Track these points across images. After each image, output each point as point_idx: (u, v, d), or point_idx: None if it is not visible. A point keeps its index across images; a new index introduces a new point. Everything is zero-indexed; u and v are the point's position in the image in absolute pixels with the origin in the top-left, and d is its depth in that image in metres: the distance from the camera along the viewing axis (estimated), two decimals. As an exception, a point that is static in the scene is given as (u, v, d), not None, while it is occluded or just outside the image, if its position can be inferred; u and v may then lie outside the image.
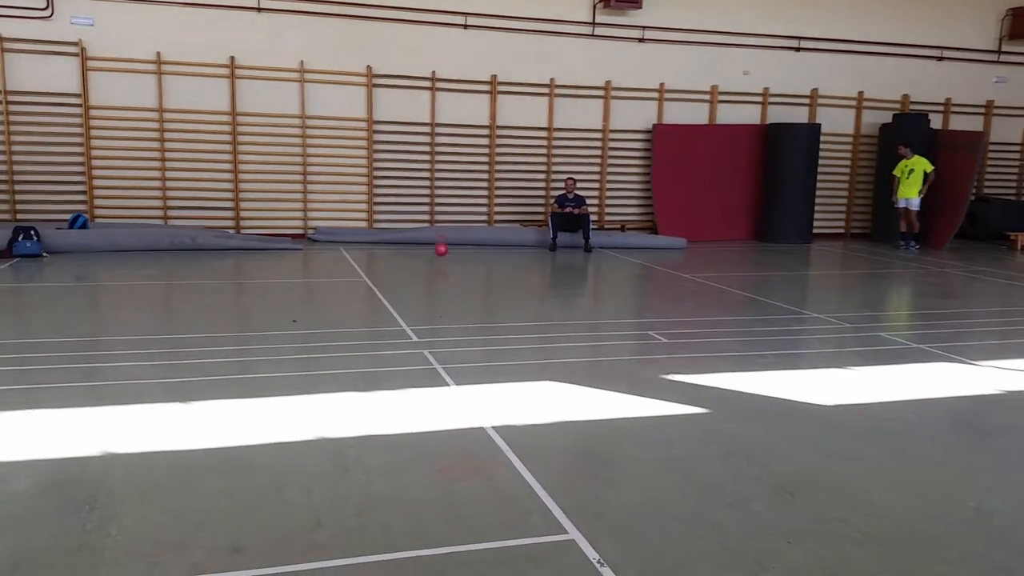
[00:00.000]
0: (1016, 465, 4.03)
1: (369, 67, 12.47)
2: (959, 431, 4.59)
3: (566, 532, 3.13)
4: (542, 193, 13.57)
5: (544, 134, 13.48)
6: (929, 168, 13.18)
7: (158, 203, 12.00)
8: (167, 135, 11.90)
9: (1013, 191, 16.05)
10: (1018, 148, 15.96)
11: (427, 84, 12.81)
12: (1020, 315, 8.22)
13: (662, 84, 13.84)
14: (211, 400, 4.58)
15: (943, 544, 3.14)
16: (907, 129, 14.13)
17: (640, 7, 13.21)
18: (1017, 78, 15.60)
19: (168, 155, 11.94)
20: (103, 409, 4.39)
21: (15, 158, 11.38)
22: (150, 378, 5.04)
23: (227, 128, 12.11)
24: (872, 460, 4.01)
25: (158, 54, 11.65)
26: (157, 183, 11.96)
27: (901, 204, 13.38)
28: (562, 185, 12.63)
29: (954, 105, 15.32)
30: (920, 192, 13.11)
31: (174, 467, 3.66)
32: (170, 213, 12.05)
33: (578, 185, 12.69)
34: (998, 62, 15.47)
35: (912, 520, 3.34)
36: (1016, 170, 16.05)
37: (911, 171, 13.28)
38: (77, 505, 3.24)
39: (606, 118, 13.71)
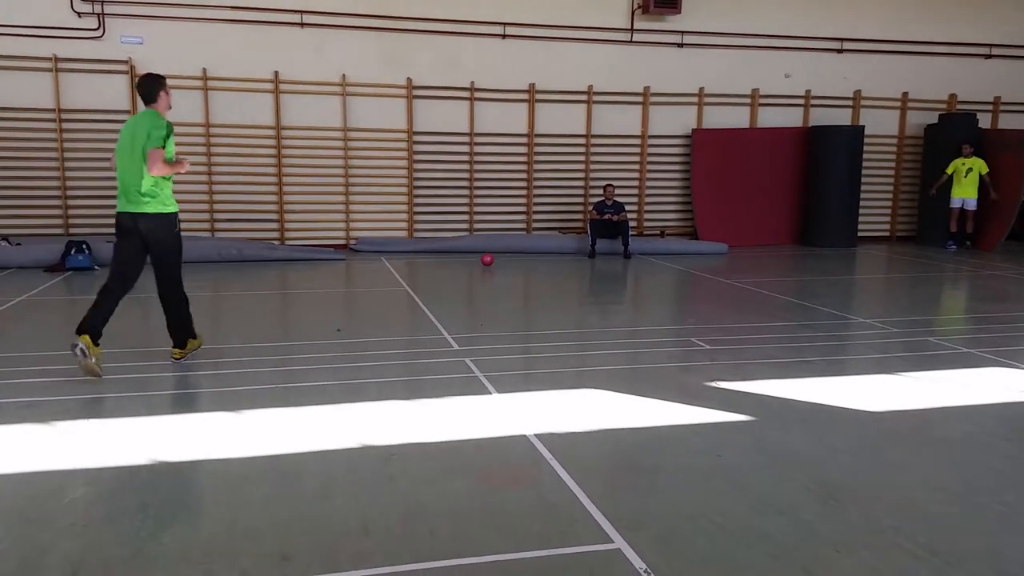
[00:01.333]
0: (1077, 474, 3.90)
1: (409, 79, 12.60)
2: (1016, 438, 4.46)
3: (612, 541, 3.11)
4: (580, 200, 13.55)
5: (582, 141, 13.46)
6: (985, 170, 12.95)
7: (205, 216, 12.26)
8: (213, 149, 12.16)
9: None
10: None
11: (466, 94, 12.90)
12: (1078, 318, 7.96)
13: (701, 89, 13.73)
14: (258, 409, 4.66)
15: (1003, 558, 3.05)
16: (954, 129, 13.82)
17: (679, 12, 13.14)
18: (1070, 74, 15.14)
19: (214, 168, 12.20)
20: (153, 418, 4.50)
21: (68, 174, 11.72)
22: (199, 387, 5.15)
23: (271, 141, 12.33)
24: (925, 468, 3.92)
25: (204, 70, 11.93)
26: (204, 196, 12.22)
27: (957, 204, 13.16)
28: (600, 192, 12.60)
29: (1003, 103, 14.91)
30: (993, 196, 12.89)
31: (223, 475, 3.73)
32: (217, 225, 12.30)
33: (617, 191, 12.65)
34: (1050, 58, 15.04)
35: (969, 532, 3.26)
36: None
37: (969, 170, 13.04)
38: (131, 513, 3.32)
39: (645, 124, 13.64)
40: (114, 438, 4.19)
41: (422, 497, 3.49)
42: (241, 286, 9.39)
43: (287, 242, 12.47)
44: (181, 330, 5.72)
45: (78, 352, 5.09)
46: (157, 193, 5.70)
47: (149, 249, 5.66)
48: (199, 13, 11.81)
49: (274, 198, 12.45)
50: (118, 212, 5.74)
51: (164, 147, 5.62)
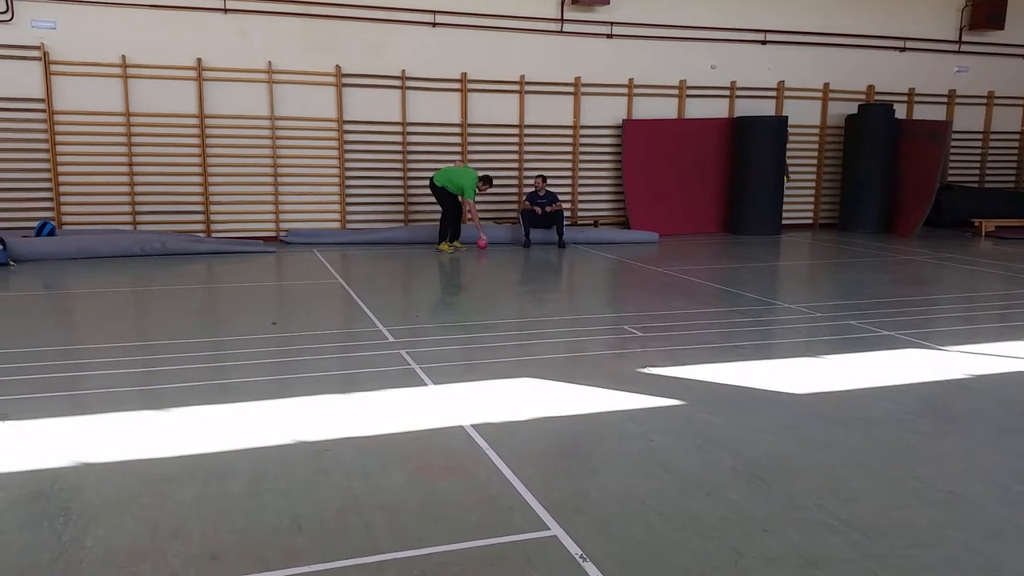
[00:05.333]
0: (986, 448, 4.11)
1: (338, 66, 12.39)
2: (931, 416, 4.68)
3: (548, 528, 3.14)
4: (515, 190, 13.58)
5: (515, 131, 13.48)
6: None
7: (127, 208, 11.83)
8: (134, 139, 11.73)
9: (976, 179, 16.34)
10: (980, 136, 16.25)
11: (397, 83, 12.76)
12: (986, 300, 8.39)
13: (631, 80, 13.90)
14: (186, 407, 4.53)
15: (918, 529, 3.20)
16: (873, 119, 14.35)
17: (608, 3, 13.26)
18: (977, 67, 15.88)
19: (136, 159, 11.77)
20: (76, 419, 4.33)
21: (-23, 165, 11.16)
22: (123, 386, 4.98)
23: (195, 131, 11.97)
24: (846, 447, 4.07)
25: (123, 57, 11.48)
26: (125, 188, 11.79)
27: None
28: (532, 183, 12.66)
29: (918, 95, 15.56)
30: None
31: (149, 475, 3.62)
32: (139, 218, 11.89)
33: (549, 181, 12.72)
34: (959, 52, 15.74)
35: (887, 506, 3.40)
36: (979, 158, 16.34)
37: None
38: (51, 517, 3.19)
39: (576, 114, 13.74)
40: (33, 440, 4.02)
41: (357, 491, 3.46)
42: (165, 281, 9.11)
43: (213, 235, 12.14)
44: None
45: None
46: None
47: None
48: (116, -3, 11.37)
49: (199, 189, 12.10)
50: None
51: None
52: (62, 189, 11.54)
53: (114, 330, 6.66)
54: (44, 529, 3.10)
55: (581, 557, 2.92)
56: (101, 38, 11.38)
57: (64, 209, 11.58)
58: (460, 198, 11.52)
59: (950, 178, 15.92)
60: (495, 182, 12.42)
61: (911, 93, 15.51)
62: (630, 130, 13.83)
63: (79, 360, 5.60)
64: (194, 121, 11.93)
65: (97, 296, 8.32)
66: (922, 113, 15.50)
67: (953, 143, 15.62)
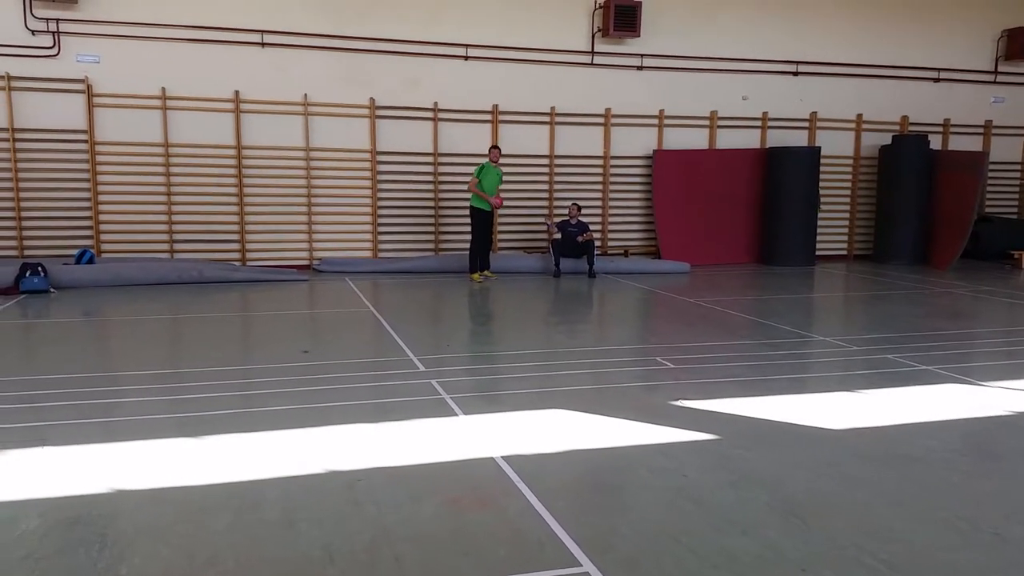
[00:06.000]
0: (1030, 488, 4.00)
1: (372, 99, 12.60)
2: (973, 454, 4.56)
3: (579, 565, 3.10)
4: (545, 220, 13.62)
5: (546, 161, 13.56)
6: None
7: (164, 237, 12.07)
8: (172, 169, 12.00)
9: (1015, 210, 16.07)
10: (1018, 167, 16.01)
11: (429, 115, 12.93)
12: (1027, 334, 8.20)
13: (661, 111, 13.95)
14: (221, 434, 4.57)
15: (960, 571, 3.11)
16: (907, 150, 14.21)
17: (638, 35, 13.35)
18: (1014, 98, 15.69)
19: (174, 189, 12.03)
20: (112, 445, 4.39)
21: (22, 195, 11.47)
22: (159, 413, 5.04)
23: (232, 161, 12.21)
24: (886, 485, 3.98)
25: (163, 89, 11.79)
26: (163, 217, 12.04)
27: None
28: (565, 211, 12.69)
29: (953, 126, 15.40)
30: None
31: (184, 503, 3.65)
32: (176, 247, 12.12)
33: (582, 211, 12.75)
34: (995, 82, 15.58)
35: (928, 546, 3.31)
36: (1016, 189, 16.09)
37: None
38: (87, 544, 3.22)
39: (607, 145, 13.80)
40: (71, 466, 4.07)
41: (388, 523, 3.45)
42: (201, 308, 9.24)
43: (248, 263, 12.32)
44: None
45: None
46: None
47: None
48: (157, 32, 11.70)
49: (235, 218, 12.32)
50: None
51: None
52: (102, 218, 11.81)
53: (150, 357, 6.76)
54: (80, 556, 3.13)
55: (614, 594, 2.87)
56: (142, 71, 11.70)
57: (103, 237, 11.84)
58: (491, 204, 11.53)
59: (987, 209, 15.67)
60: (525, 212, 12.43)
61: (946, 124, 15.36)
62: (661, 160, 13.83)
63: (116, 387, 5.68)
64: (231, 152, 12.18)
65: (134, 323, 8.47)
66: (958, 144, 15.33)
67: (990, 174, 15.41)
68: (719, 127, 14.29)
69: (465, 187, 11.87)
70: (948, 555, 3.24)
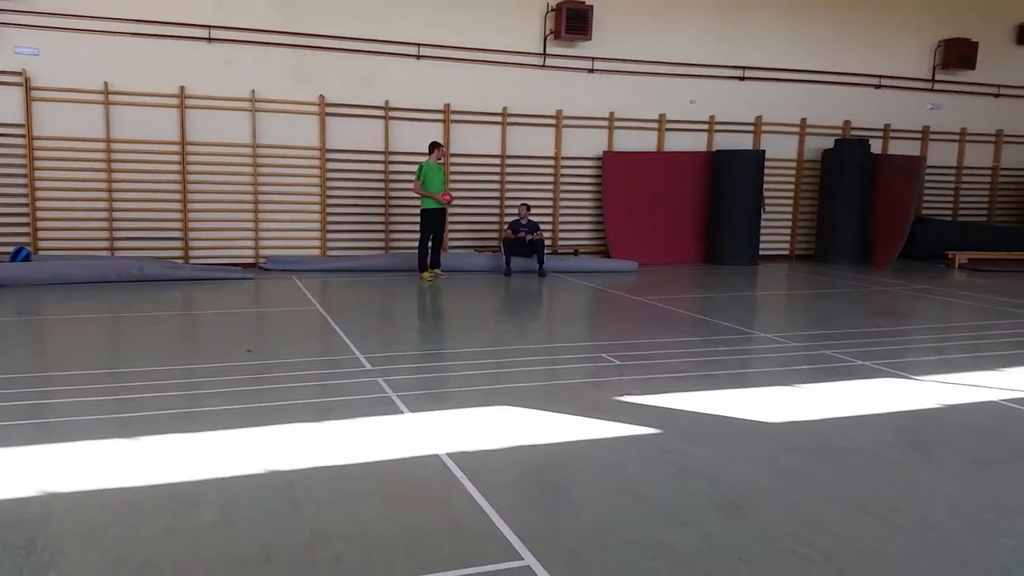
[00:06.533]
0: (959, 478, 4.14)
1: (322, 96, 12.46)
2: (904, 446, 4.71)
3: (522, 559, 3.12)
4: (496, 219, 13.65)
5: (497, 162, 13.58)
6: None
7: (105, 234, 11.76)
8: (115, 165, 11.70)
9: (949, 212, 16.62)
10: (953, 171, 16.56)
11: (380, 113, 12.84)
12: (959, 331, 8.49)
13: (612, 113, 14.08)
14: (159, 435, 4.47)
15: (891, 559, 3.21)
16: (848, 154, 14.60)
17: (590, 39, 13.46)
18: (950, 105, 16.23)
19: (116, 185, 11.73)
20: (44, 447, 4.26)
21: (-46, 190, 11.07)
22: (95, 414, 4.91)
23: (176, 158, 11.96)
24: (821, 477, 4.09)
25: (105, 84, 11.49)
26: (104, 214, 11.73)
27: None
28: (515, 211, 12.73)
29: (893, 131, 15.86)
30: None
31: (119, 506, 3.56)
32: (117, 244, 11.81)
33: (532, 211, 12.79)
34: (932, 90, 16.10)
35: (860, 535, 3.41)
36: (951, 192, 16.65)
37: None
38: (13, 550, 3.13)
39: (558, 146, 13.88)
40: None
41: (328, 522, 3.42)
42: (142, 307, 9.03)
43: (192, 261, 12.08)
44: None
45: None
46: None
47: None
48: (100, 25, 11.40)
49: (178, 216, 12.06)
50: None
51: None
52: (39, 215, 11.45)
53: (87, 357, 6.59)
54: (5, 562, 3.03)
55: (554, 588, 2.90)
56: (84, 64, 11.38)
57: (41, 235, 11.49)
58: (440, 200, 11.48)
59: (924, 211, 16.18)
60: (476, 211, 12.43)
61: (887, 129, 15.82)
62: (611, 162, 13.97)
63: (50, 387, 5.52)
64: (175, 148, 11.93)
65: (71, 322, 8.23)
66: (897, 148, 15.80)
67: (927, 178, 15.91)
68: (668, 130, 14.48)
69: (412, 191, 11.79)
70: (878, 543, 3.34)
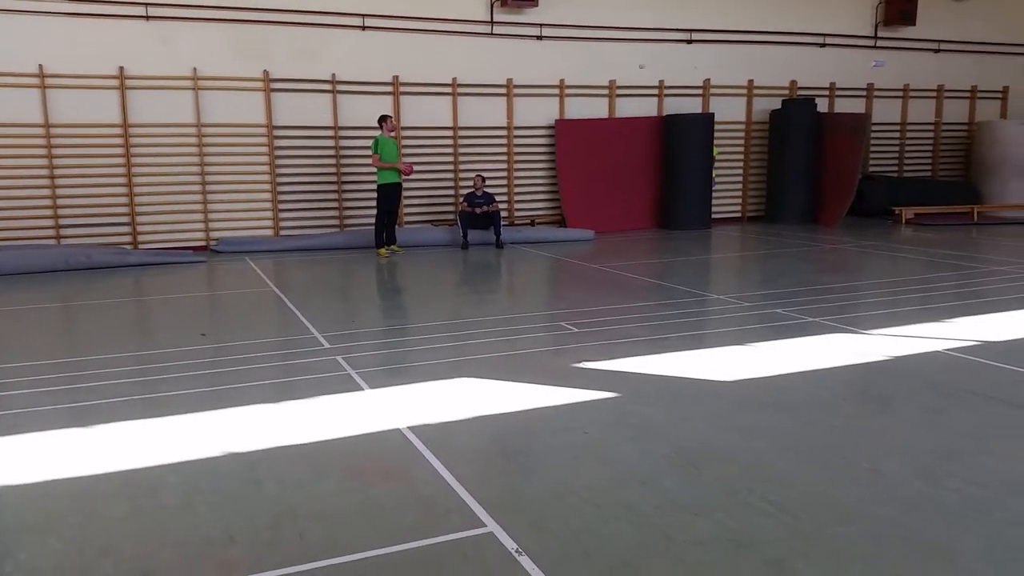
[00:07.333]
0: (907, 427, 4.30)
1: (266, 71, 12.19)
2: (854, 398, 4.86)
3: (485, 526, 3.17)
4: (451, 192, 13.57)
5: (449, 133, 13.47)
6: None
7: (49, 222, 11.42)
8: (55, 151, 11.33)
9: (895, 168, 16.98)
10: (898, 128, 16.89)
11: (328, 87, 12.62)
12: (906, 285, 8.73)
13: (562, 80, 14.03)
14: (114, 422, 4.41)
15: (842, 506, 3.33)
16: (796, 114, 14.79)
17: (536, 5, 13.35)
18: (893, 61, 16.50)
19: (57, 171, 11.37)
20: (-5, 441, 4.18)
21: None
22: (47, 404, 4.81)
23: (119, 141, 11.62)
24: (775, 431, 4.20)
25: (40, 67, 11.08)
26: (47, 201, 11.38)
27: None
28: (471, 183, 12.67)
29: (838, 89, 16.09)
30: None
31: (76, 494, 3.52)
32: (62, 232, 11.49)
33: (487, 182, 12.74)
34: (875, 47, 16.33)
35: (813, 486, 3.53)
36: (896, 149, 16.99)
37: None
38: (-30, 543, 3.08)
39: (510, 115, 13.81)
40: (-52, 466, 3.86)
41: (291, 500, 3.43)
42: (91, 295, 8.82)
43: (140, 246, 11.82)
44: None
45: None
46: None
47: None
48: (33, 6, 10.95)
49: (124, 200, 11.76)
50: None
51: None
52: (-23, 204, 11.08)
53: (37, 348, 6.43)
54: (-38, 556, 2.99)
55: (517, 551, 2.95)
56: (18, 47, 10.95)
57: (-20, 225, 11.12)
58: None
59: (871, 168, 16.50)
60: (430, 184, 12.33)
61: (832, 88, 16.03)
62: (563, 130, 13.95)
63: (-1, 380, 5.39)
64: (117, 131, 11.59)
65: (17, 314, 8.01)
66: (843, 107, 16.04)
67: (873, 135, 16.20)
68: (618, 96, 14.49)
69: (370, 161, 11.65)
70: (831, 492, 3.46)
